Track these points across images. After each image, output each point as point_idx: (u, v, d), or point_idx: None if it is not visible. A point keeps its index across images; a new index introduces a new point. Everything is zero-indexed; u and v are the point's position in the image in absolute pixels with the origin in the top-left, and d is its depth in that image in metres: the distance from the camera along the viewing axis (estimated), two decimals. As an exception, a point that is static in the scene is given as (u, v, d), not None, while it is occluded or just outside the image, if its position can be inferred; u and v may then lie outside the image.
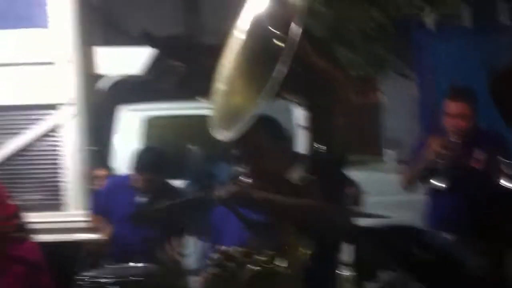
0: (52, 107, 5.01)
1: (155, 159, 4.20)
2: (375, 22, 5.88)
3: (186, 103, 5.84)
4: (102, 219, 4.26)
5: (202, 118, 5.11)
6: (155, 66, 5.69)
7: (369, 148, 7.92)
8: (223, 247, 1.86)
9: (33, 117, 5.01)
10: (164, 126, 5.55)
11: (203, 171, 4.77)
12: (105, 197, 4.30)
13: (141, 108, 5.40)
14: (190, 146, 4.60)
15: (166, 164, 4.24)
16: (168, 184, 4.34)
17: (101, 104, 5.51)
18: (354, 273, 3.70)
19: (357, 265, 3.77)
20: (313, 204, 1.87)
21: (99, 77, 5.30)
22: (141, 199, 4.17)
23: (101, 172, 4.76)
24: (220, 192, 1.87)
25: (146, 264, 3.73)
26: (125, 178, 4.28)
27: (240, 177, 1.94)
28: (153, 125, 5.35)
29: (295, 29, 1.78)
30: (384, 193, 4.91)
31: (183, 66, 7.24)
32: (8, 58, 4.97)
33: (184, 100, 6.04)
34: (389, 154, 6.37)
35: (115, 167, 4.98)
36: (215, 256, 1.84)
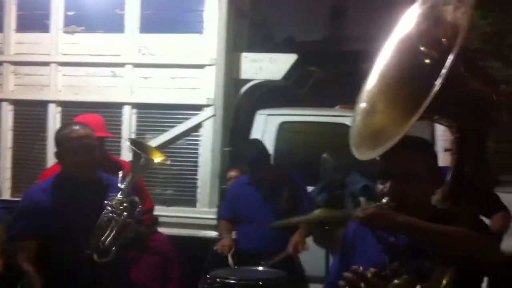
0: (197, 107, 5.26)
1: (258, 149, 4.23)
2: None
3: (321, 109, 5.80)
4: (229, 220, 4.32)
5: (337, 126, 5.15)
6: (295, 71, 5.71)
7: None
8: (357, 267, 1.78)
9: (179, 116, 5.30)
10: (299, 131, 5.56)
11: (334, 180, 4.71)
12: (231, 198, 4.36)
13: (277, 113, 5.44)
14: (324, 154, 4.56)
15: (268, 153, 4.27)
16: (287, 176, 4.31)
17: (240, 107, 5.66)
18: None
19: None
20: (462, 232, 1.75)
21: (241, 81, 5.44)
22: (261, 194, 4.18)
23: (234, 173, 4.87)
24: (362, 211, 1.80)
25: (273, 269, 3.72)
26: (244, 177, 4.35)
27: (383, 199, 1.85)
28: (287, 130, 5.38)
29: (451, 49, 1.67)
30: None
31: (322, 72, 7.20)
32: (164, 60, 5.30)
33: (320, 106, 6.01)
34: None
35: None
36: (349, 275, 1.77)
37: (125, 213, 2.79)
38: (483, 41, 5.53)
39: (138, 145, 3.29)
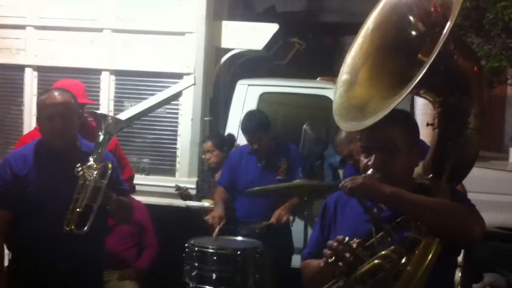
0: (176, 76, 5.20)
1: (260, 119, 4.26)
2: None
3: (302, 81, 5.79)
4: (227, 188, 4.34)
5: (318, 98, 5.16)
6: (276, 42, 5.67)
7: (492, 144, 7.48)
8: (342, 237, 1.80)
9: (159, 84, 5.24)
10: (279, 102, 5.54)
11: (314, 152, 4.75)
12: (230, 166, 4.38)
13: (258, 83, 5.41)
14: (305, 126, 4.58)
15: (269, 124, 4.29)
16: (280, 143, 4.37)
17: (220, 77, 5.62)
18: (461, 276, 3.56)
19: (465, 266, 3.61)
20: (446, 203, 1.77)
21: (222, 50, 5.38)
22: (261, 164, 4.24)
23: (209, 145, 4.86)
24: (351, 180, 1.81)
25: (252, 239, 3.75)
26: (245, 146, 4.36)
27: (367, 172, 1.87)
28: (267, 101, 5.36)
29: (445, 22, 1.66)
30: (507, 192, 4.62)
31: (303, 43, 7.16)
32: (143, 26, 5.21)
33: (300, 77, 6.00)
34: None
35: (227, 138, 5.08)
36: (334, 244, 1.79)
37: (95, 175, 2.73)
38: (464, 16, 5.54)
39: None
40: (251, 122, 4.25)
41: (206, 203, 4.55)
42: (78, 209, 2.70)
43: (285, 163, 4.23)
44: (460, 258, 3.34)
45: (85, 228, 2.70)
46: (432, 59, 1.65)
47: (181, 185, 4.97)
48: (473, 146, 1.89)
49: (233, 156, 4.49)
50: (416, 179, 1.93)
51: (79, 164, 2.74)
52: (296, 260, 4.44)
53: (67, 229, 2.67)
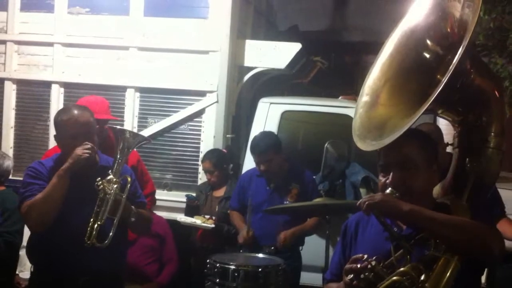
0: (200, 93, 5.27)
1: (270, 140, 4.20)
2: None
3: (324, 99, 5.82)
4: (239, 211, 4.32)
5: (339, 117, 5.17)
6: (299, 60, 5.72)
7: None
8: (361, 255, 1.81)
9: (182, 101, 5.31)
10: (300, 120, 5.56)
11: (336, 170, 4.74)
12: (239, 189, 4.37)
13: (280, 101, 5.44)
14: (327, 144, 4.58)
15: (279, 147, 4.19)
16: (294, 167, 4.27)
17: (243, 94, 5.67)
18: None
19: (488, 287, 3.57)
20: (465, 222, 1.77)
21: (245, 68, 5.44)
22: (270, 187, 4.19)
23: (207, 164, 4.79)
24: (369, 198, 1.82)
25: (273, 256, 3.76)
26: (255, 168, 4.33)
27: (386, 191, 1.88)
28: (289, 119, 5.38)
29: (457, 43, 1.68)
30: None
31: (325, 62, 7.20)
32: (168, 44, 5.30)
33: (321, 96, 6.03)
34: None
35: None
36: (352, 264, 1.80)
37: (115, 189, 2.77)
38: (487, 37, 5.53)
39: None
40: (258, 143, 4.16)
41: (198, 221, 4.51)
42: (99, 222, 2.73)
43: (296, 188, 4.14)
44: (483, 279, 3.31)
45: (106, 241, 2.74)
46: (447, 78, 1.66)
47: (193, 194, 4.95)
48: (493, 165, 1.89)
49: (243, 178, 4.43)
50: (436, 198, 1.93)
51: (99, 178, 2.78)
52: (314, 278, 4.44)
53: (88, 242, 2.70)
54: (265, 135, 4.36)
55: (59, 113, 2.97)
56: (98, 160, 2.93)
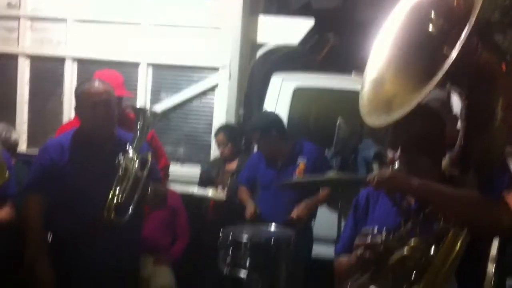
0: (212, 69, 5.27)
1: (258, 121, 4.23)
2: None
3: (336, 76, 5.79)
4: (247, 186, 4.36)
5: (351, 93, 5.13)
6: (311, 37, 5.69)
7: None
8: (372, 228, 1.83)
9: (195, 77, 5.32)
10: (313, 96, 5.55)
11: (348, 146, 4.75)
12: (249, 166, 4.40)
13: (292, 77, 5.43)
14: (339, 120, 4.57)
15: (279, 127, 4.19)
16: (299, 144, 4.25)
17: (255, 71, 5.66)
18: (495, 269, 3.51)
19: (499, 259, 3.57)
20: (474, 195, 1.78)
21: (257, 44, 5.42)
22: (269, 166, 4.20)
23: (221, 137, 4.85)
24: (379, 174, 1.84)
25: (285, 229, 3.78)
26: None
27: (394, 166, 1.89)
28: (301, 95, 5.37)
29: (463, 19, 1.67)
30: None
31: (338, 39, 7.15)
32: (180, 20, 5.30)
33: (334, 73, 5.99)
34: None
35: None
36: (362, 237, 1.82)
37: (136, 168, 2.82)
38: (503, 13, 5.46)
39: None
40: (249, 123, 4.21)
41: (210, 192, 4.58)
42: (119, 200, 2.77)
43: (303, 163, 4.12)
44: (494, 251, 3.31)
45: (125, 217, 2.77)
46: (455, 54, 1.66)
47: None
48: (500, 138, 1.88)
49: (253, 157, 4.47)
50: (444, 171, 1.93)
51: (121, 153, 2.82)
52: (327, 250, 4.46)
53: (107, 217, 2.74)
54: (259, 116, 4.44)
55: (79, 85, 3.05)
56: (115, 134, 2.96)
